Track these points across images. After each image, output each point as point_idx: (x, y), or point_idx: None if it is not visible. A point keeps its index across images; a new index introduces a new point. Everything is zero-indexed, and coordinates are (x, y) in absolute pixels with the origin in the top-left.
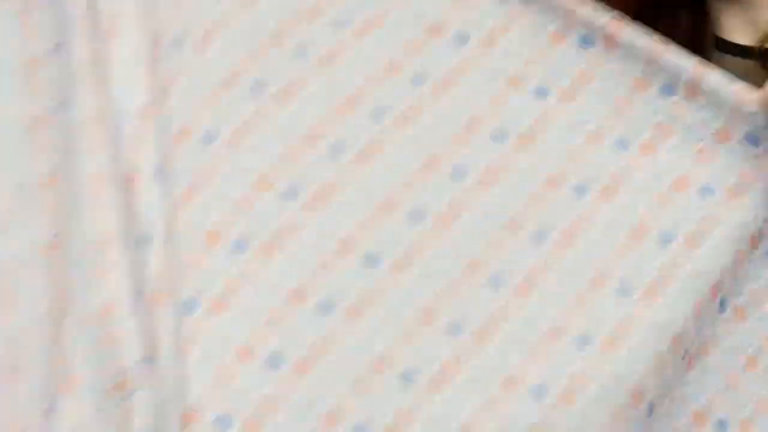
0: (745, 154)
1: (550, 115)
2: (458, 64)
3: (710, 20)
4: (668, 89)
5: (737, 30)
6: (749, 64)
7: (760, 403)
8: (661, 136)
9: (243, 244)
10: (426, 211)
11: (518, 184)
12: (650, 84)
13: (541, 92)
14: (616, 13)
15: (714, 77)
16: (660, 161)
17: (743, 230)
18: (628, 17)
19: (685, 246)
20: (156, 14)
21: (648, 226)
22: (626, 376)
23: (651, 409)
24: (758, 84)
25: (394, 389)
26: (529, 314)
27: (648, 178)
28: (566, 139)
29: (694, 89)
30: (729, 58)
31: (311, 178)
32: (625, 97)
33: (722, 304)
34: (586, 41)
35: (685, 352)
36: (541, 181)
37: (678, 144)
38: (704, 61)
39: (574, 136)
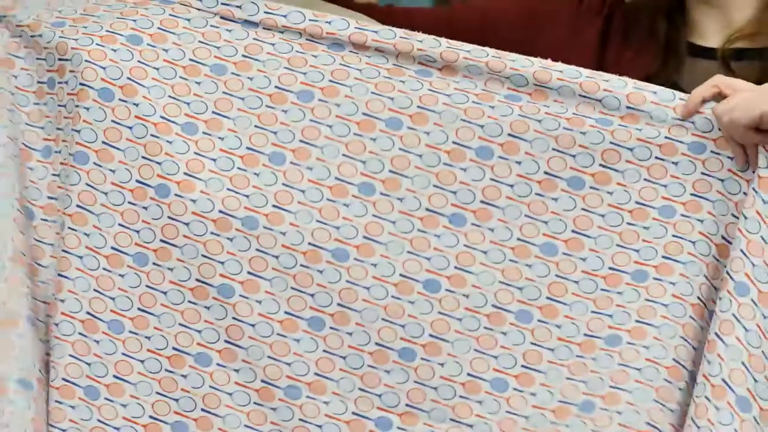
0: (694, 163)
1: None
2: None
3: (685, 25)
4: (604, 121)
5: (711, 34)
6: (716, 65)
7: None
8: (609, 165)
9: None
10: None
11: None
12: (584, 119)
13: None
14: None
15: (649, 97)
16: (616, 193)
17: (709, 243)
18: (601, 22)
19: (658, 277)
20: None
21: (621, 270)
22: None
23: (693, 378)
24: None
25: None
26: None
27: (608, 217)
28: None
29: (631, 114)
30: (700, 62)
31: None
32: (567, 135)
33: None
34: (512, 98)
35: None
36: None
37: (627, 169)
38: (638, 83)
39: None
